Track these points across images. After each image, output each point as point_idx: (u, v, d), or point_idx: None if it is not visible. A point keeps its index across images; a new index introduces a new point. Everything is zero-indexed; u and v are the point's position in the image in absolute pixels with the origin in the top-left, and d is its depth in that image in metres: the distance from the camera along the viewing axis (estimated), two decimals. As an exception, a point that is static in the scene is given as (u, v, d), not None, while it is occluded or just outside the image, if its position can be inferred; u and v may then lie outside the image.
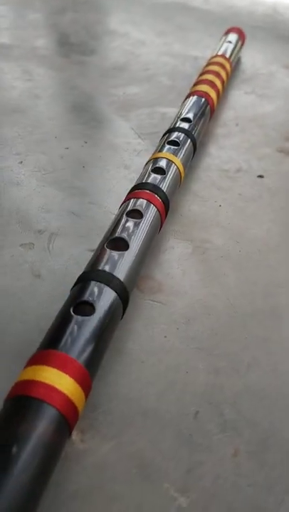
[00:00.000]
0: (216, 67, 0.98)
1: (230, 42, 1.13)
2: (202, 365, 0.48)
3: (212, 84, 0.92)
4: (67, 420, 0.37)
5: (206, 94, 0.87)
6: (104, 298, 0.46)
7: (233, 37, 1.16)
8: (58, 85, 1.05)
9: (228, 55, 1.06)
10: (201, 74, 0.97)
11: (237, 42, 1.15)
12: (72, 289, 0.49)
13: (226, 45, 1.11)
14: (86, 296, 0.46)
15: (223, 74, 0.99)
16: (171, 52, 1.24)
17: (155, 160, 0.68)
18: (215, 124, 0.92)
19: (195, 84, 0.92)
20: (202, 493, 0.38)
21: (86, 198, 0.71)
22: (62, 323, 0.43)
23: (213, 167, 0.80)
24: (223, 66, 1.00)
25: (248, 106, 1.01)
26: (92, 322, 0.44)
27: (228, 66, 1.03)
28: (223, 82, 0.97)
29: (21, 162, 0.78)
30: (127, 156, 0.82)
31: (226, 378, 0.47)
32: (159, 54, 1.22)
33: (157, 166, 0.66)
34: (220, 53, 1.06)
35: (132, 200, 0.59)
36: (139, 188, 0.62)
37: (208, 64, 1.01)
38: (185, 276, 0.58)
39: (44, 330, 0.48)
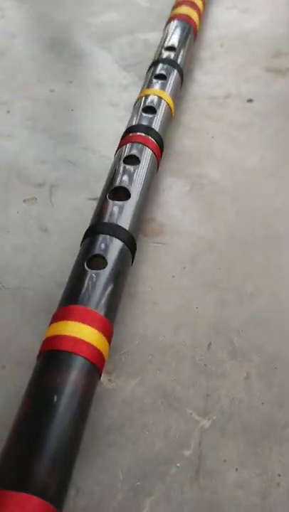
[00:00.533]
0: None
1: None
2: (209, 299, 0.52)
3: (192, 4, 0.88)
4: (96, 366, 0.42)
5: (187, 17, 0.84)
6: (114, 249, 0.49)
7: None
8: (32, 20, 1.00)
9: None
10: (180, -7, 0.92)
11: None
12: (81, 243, 0.51)
13: None
14: (97, 250, 0.48)
15: (203, -11, 0.94)
16: None
17: (144, 98, 0.67)
18: (198, 47, 0.89)
19: (175, 6, 0.89)
20: (221, 415, 0.43)
21: (79, 143, 0.71)
22: (78, 278, 0.47)
23: (201, 95, 0.79)
24: (201, -19, 0.95)
25: (231, 23, 0.97)
26: (106, 274, 0.47)
27: (206, -20, 0.98)
28: (203, 2, 0.93)
29: (8, 112, 0.77)
30: (113, 92, 0.81)
31: (233, 309, 0.51)
32: None
33: (147, 104, 0.66)
34: None
35: (127, 145, 0.60)
36: (132, 131, 0.62)
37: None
38: (185, 215, 0.60)
39: (60, 282, 0.52)
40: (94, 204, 0.61)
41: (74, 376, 0.40)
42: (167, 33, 0.81)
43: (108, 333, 0.44)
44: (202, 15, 0.92)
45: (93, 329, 0.43)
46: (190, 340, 0.49)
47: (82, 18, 1.00)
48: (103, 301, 0.45)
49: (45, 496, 0.34)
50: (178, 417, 0.43)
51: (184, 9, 0.86)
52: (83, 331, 0.42)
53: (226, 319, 0.50)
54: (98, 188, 0.63)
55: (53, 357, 0.41)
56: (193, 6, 0.88)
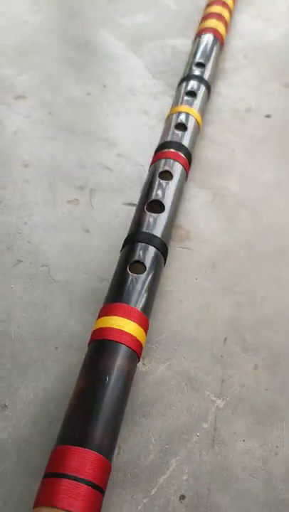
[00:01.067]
0: (223, -5, 1.00)
1: None
2: (227, 301, 0.62)
3: (220, 16, 0.95)
4: (136, 353, 0.52)
5: (215, 31, 0.92)
6: (150, 256, 0.59)
7: None
8: (67, 16, 1.06)
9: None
10: (208, 4, 0.99)
11: None
12: (122, 249, 0.61)
13: None
14: (136, 257, 0.58)
15: (230, 1, 1.01)
16: None
17: (175, 115, 0.76)
18: (223, 58, 0.97)
19: (203, 19, 0.96)
20: (233, 397, 0.54)
21: (114, 149, 0.80)
22: (121, 280, 0.56)
23: (224, 108, 0.87)
24: (229, -9, 1.02)
25: (254, 33, 1.04)
26: (144, 277, 0.57)
27: (234, -11, 1.04)
28: (230, 11, 1.00)
29: (50, 113, 0.85)
30: (145, 99, 0.89)
31: (246, 311, 0.61)
32: None
33: (178, 122, 0.74)
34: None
35: (161, 160, 0.69)
36: (166, 147, 0.71)
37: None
38: (208, 225, 0.70)
39: (101, 279, 0.62)
40: (129, 208, 0.71)
41: (119, 361, 0.50)
42: (197, 48, 0.88)
43: (145, 327, 0.54)
44: (228, 26, 0.99)
45: (134, 323, 0.53)
46: (209, 335, 0.59)
47: (114, 18, 1.07)
48: (141, 299, 0.55)
49: (100, 451, 0.44)
50: (198, 397, 0.54)
51: (212, 22, 0.93)
52: (126, 325, 0.52)
53: (240, 319, 0.61)
54: (132, 194, 0.73)
55: (102, 345, 0.51)
56: (221, 18, 0.95)
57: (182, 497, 0.48)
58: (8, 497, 0.47)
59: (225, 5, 0.98)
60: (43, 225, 0.69)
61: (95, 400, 0.47)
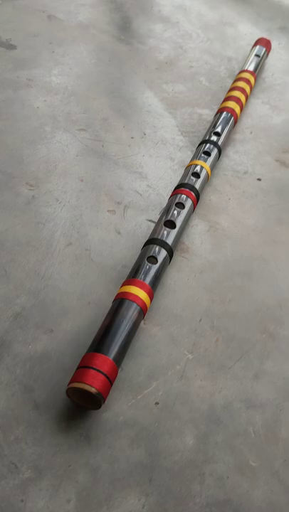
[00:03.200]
0: (243, 84, 1.33)
1: (257, 56, 1.46)
2: (205, 297, 0.91)
3: (238, 100, 1.28)
4: (143, 311, 0.81)
5: (232, 111, 1.24)
6: (161, 255, 0.88)
7: (260, 50, 1.49)
8: (118, 80, 1.39)
9: (253, 69, 1.41)
10: (231, 89, 1.32)
11: (263, 54, 1.49)
12: (143, 247, 0.90)
13: (253, 58, 1.45)
14: (152, 253, 0.88)
15: (248, 89, 1.34)
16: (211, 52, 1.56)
17: (193, 166, 1.07)
18: (235, 130, 1.29)
19: (225, 100, 1.29)
20: (199, 354, 0.83)
21: (145, 181, 1.11)
22: (139, 266, 0.86)
23: (229, 168, 1.19)
24: (248, 82, 1.35)
25: (261, 116, 1.37)
26: (155, 267, 0.86)
27: (252, 81, 1.38)
28: (246, 97, 1.33)
29: (102, 146, 1.16)
30: (172, 149, 1.20)
31: (217, 305, 0.90)
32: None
33: (194, 171, 1.05)
34: (248, 68, 1.40)
35: (178, 195, 0.99)
36: (183, 186, 1.01)
37: (237, 79, 1.36)
38: (202, 245, 1.00)
39: (126, 265, 0.91)
40: (149, 224, 1.01)
41: (132, 312, 0.78)
42: (216, 121, 1.20)
43: (151, 298, 0.83)
44: (244, 107, 1.32)
45: (145, 293, 0.82)
46: (190, 315, 0.88)
47: (159, 83, 1.40)
48: (151, 280, 0.84)
49: (114, 359, 0.72)
50: (176, 350, 0.83)
51: (231, 104, 1.26)
52: (139, 293, 0.81)
53: (212, 309, 0.90)
54: (154, 214, 1.03)
55: (123, 302, 0.80)
56: (239, 101, 1.28)
57: (156, 403, 0.76)
58: (46, 383, 0.75)
59: (244, 91, 1.31)
60: (88, 223, 0.98)
61: (116, 331, 0.76)
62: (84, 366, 0.71)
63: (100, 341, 0.74)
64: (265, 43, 1.52)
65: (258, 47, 1.50)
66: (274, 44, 1.59)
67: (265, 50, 1.50)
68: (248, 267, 0.98)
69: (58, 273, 0.89)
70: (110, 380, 0.71)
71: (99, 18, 1.62)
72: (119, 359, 0.74)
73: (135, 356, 0.80)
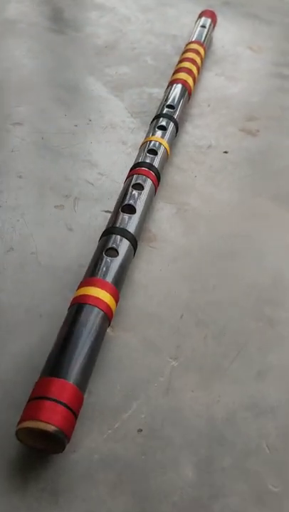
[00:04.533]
0: (192, 55, 1.19)
1: (203, 27, 1.33)
2: (184, 287, 0.75)
3: (189, 71, 1.14)
4: (108, 316, 0.64)
5: (184, 82, 1.10)
6: (123, 245, 0.72)
7: (206, 21, 1.36)
8: (61, 64, 1.24)
9: (202, 40, 1.28)
10: (180, 61, 1.18)
11: (210, 25, 1.36)
12: (100, 239, 0.74)
13: (200, 29, 1.32)
14: (111, 244, 0.71)
15: (198, 60, 1.20)
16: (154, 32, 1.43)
17: (148, 142, 0.91)
18: (191, 105, 1.15)
19: (175, 72, 1.14)
20: (185, 358, 0.66)
21: (95, 169, 0.95)
22: (97, 262, 0.69)
23: (190, 143, 1.04)
24: (198, 52, 1.22)
25: (217, 87, 1.23)
26: (117, 261, 0.69)
27: (202, 51, 1.24)
28: (198, 68, 1.19)
29: (43, 138, 1.00)
30: (123, 133, 1.05)
31: (199, 295, 0.74)
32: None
33: (150, 147, 0.90)
34: (195, 39, 1.27)
35: (134, 175, 0.84)
36: (139, 166, 0.86)
37: (186, 51, 1.22)
38: (171, 230, 0.84)
39: (81, 265, 0.74)
40: (106, 214, 0.84)
41: (94, 318, 0.62)
42: (168, 94, 1.06)
43: (116, 298, 0.66)
44: (197, 79, 1.18)
45: (107, 293, 0.65)
46: (169, 312, 0.71)
47: (100, 68, 1.25)
48: (114, 276, 0.68)
49: (75, 383, 0.55)
50: (157, 358, 0.66)
51: (183, 75, 1.12)
52: (101, 294, 0.65)
53: (193, 301, 0.73)
54: (110, 204, 0.86)
55: (81, 307, 0.63)
56: (190, 72, 1.14)
57: (140, 430, 0.59)
58: (-4, 423, 0.57)
59: (194, 62, 1.18)
60: (32, 222, 0.82)
61: (74, 343, 0.58)
62: (37, 397, 0.54)
63: (55, 362, 0.57)
64: (209, 15, 1.39)
65: (202, 18, 1.37)
66: (219, 19, 1.46)
67: (211, 20, 1.37)
68: (229, 247, 0.83)
69: (0, 282, 0.71)
70: (73, 410, 0.54)
71: (27, 13, 1.47)
72: (83, 381, 0.57)
73: (105, 373, 0.63)
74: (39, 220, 0.82)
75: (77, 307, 0.63)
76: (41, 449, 0.54)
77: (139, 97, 1.16)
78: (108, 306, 0.64)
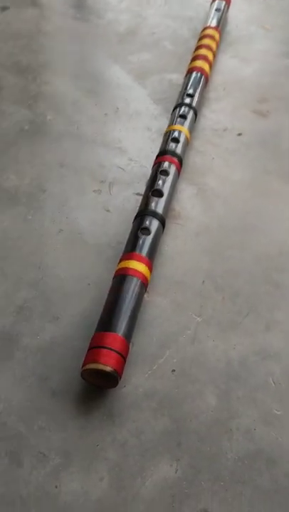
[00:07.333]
0: (207, 41, 1.30)
1: (218, 10, 1.43)
2: (205, 258, 0.90)
3: (205, 58, 1.25)
4: (145, 284, 0.80)
5: (201, 70, 1.22)
6: (154, 225, 0.87)
7: (220, 4, 1.45)
8: (88, 54, 1.36)
9: (216, 25, 1.38)
10: (197, 48, 1.29)
11: (224, 8, 1.45)
12: (134, 220, 0.89)
13: (214, 13, 1.41)
14: (144, 225, 0.87)
15: (214, 45, 1.31)
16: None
17: (171, 131, 1.05)
18: (208, 89, 1.26)
19: (193, 59, 1.26)
20: (207, 316, 0.82)
21: (126, 155, 1.09)
22: (134, 239, 0.85)
23: (207, 127, 1.17)
24: (213, 38, 1.32)
25: (232, 69, 1.34)
26: (150, 238, 0.85)
27: (217, 36, 1.35)
28: (214, 53, 1.30)
29: (78, 128, 1.14)
30: (148, 120, 1.18)
31: (218, 265, 0.89)
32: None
33: (173, 136, 1.03)
34: (210, 24, 1.37)
35: (161, 162, 0.98)
36: (164, 153, 1.00)
37: (202, 37, 1.33)
38: (193, 208, 0.99)
39: (120, 241, 0.90)
40: (137, 197, 0.99)
41: (134, 286, 0.78)
42: (187, 82, 1.18)
43: (150, 269, 0.82)
44: (212, 64, 1.29)
45: (144, 266, 0.81)
46: (193, 279, 0.87)
47: (124, 55, 1.37)
48: (149, 251, 0.83)
49: (124, 336, 0.72)
50: (184, 316, 0.82)
51: (200, 63, 1.23)
52: (138, 266, 0.81)
53: (213, 270, 0.89)
54: (139, 187, 1.01)
55: (123, 278, 0.79)
56: (206, 59, 1.25)
57: (173, 370, 0.76)
58: (60, 369, 0.75)
59: (210, 48, 1.29)
60: (76, 206, 0.97)
61: (120, 306, 0.75)
62: (95, 346, 0.71)
63: (107, 320, 0.74)
64: (223, -4, 1.48)
65: (217, 1, 1.46)
66: (233, -3, 1.55)
67: (225, 3, 1.46)
68: (242, 222, 0.97)
69: (54, 261, 0.88)
70: (123, 356, 0.71)
71: (50, 0, 1.58)
72: (128, 334, 0.74)
73: (144, 328, 0.80)
74: (81, 204, 0.98)
75: (120, 278, 0.80)
76: (100, 385, 0.72)
77: (160, 84, 1.28)
78: (144, 276, 0.80)
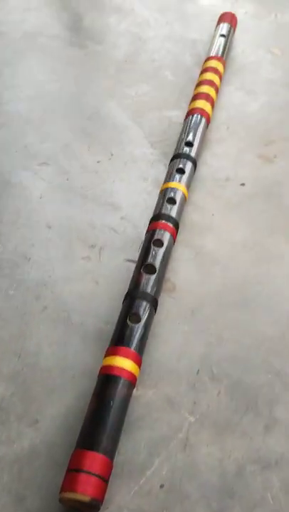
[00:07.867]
0: (210, 76, 1.21)
1: (223, 36, 1.33)
2: (201, 341, 0.83)
3: (207, 96, 1.16)
4: (133, 383, 0.73)
5: (202, 111, 1.12)
6: (144, 308, 0.80)
7: (226, 28, 1.35)
8: (84, 86, 1.27)
9: (221, 54, 1.28)
10: (198, 85, 1.20)
11: (230, 32, 1.35)
12: (123, 301, 0.82)
13: (219, 40, 1.31)
14: (134, 310, 0.79)
15: (217, 80, 1.22)
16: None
17: (166, 190, 0.97)
18: (209, 129, 1.17)
19: (193, 99, 1.16)
20: (201, 415, 0.75)
21: (118, 213, 1.01)
22: (122, 328, 0.78)
23: (208, 177, 1.08)
24: (216, 71, 1.23)
25: (237, 105, 1.25)
26: (140, 326, 0.78)
27: (221, 68, 1.25)
28: (217, 89, 1.20)
29: (68, 179, 1.07)
30: (144, 167, 1.10)
31: (214, 349, 0.82)
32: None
33: (169, 196, 0.95)
34: (214, 54, 1.27)
35: (155, 230, 0.90)
36: (159, 218, 0.92)
37: (204, 70, 1.23)
38: (189, 279, 0.91)
39: (107, 322, 0.83)
40: (129, 264, 0.92)
41: (120, 389, 0.71)
42: (186, 127, 1.09)
43: (139, 364, 0.75)
44: (215, 101, 1.20)
45: (131, 362, 0.74)
46: (187, 368, 0.80)
47: (121, 88, 1.28)
48: (138, 342, 0.76)
49: (105, 454, 0.65)
50: (176, 414, 0.75)
51: (200, 103, 1.14)
52: (126, 363, 0.74)
53: (209, 355, 0.82)
54: (132, 252, 0.94)
55: (108, 378, 0.72)
56: (208, 98, 1.16)
57: (162, 486, 0.69)
58: (38, 486, 0.69)
59: (212, 84, 1.19)
60: (63, 277, 0.90)
61: (103, 417, 0.68)
62: (73, 469, 0.64)
63: (87, 434, 0.68)
64: (229, 19, 1.38)
65: (221, 25, 1.36)
66: (240, 15, 1.44)
67: (231, 26, 1.36)
68: (242, 294, 0.90)
69: (36, 347, 0.81)
70: (104, 478, 0.64)
71: (46, 22, 1.48)
72: (111, 449, 0.67)
73: (131, 431, 0.74)
74: (68, 275, 0.90)
75: (104, 378, 0.73)
76: (81, 509, 0.65)
77: (158, 123, 1.19)
78: (132, 374, 0.73)
